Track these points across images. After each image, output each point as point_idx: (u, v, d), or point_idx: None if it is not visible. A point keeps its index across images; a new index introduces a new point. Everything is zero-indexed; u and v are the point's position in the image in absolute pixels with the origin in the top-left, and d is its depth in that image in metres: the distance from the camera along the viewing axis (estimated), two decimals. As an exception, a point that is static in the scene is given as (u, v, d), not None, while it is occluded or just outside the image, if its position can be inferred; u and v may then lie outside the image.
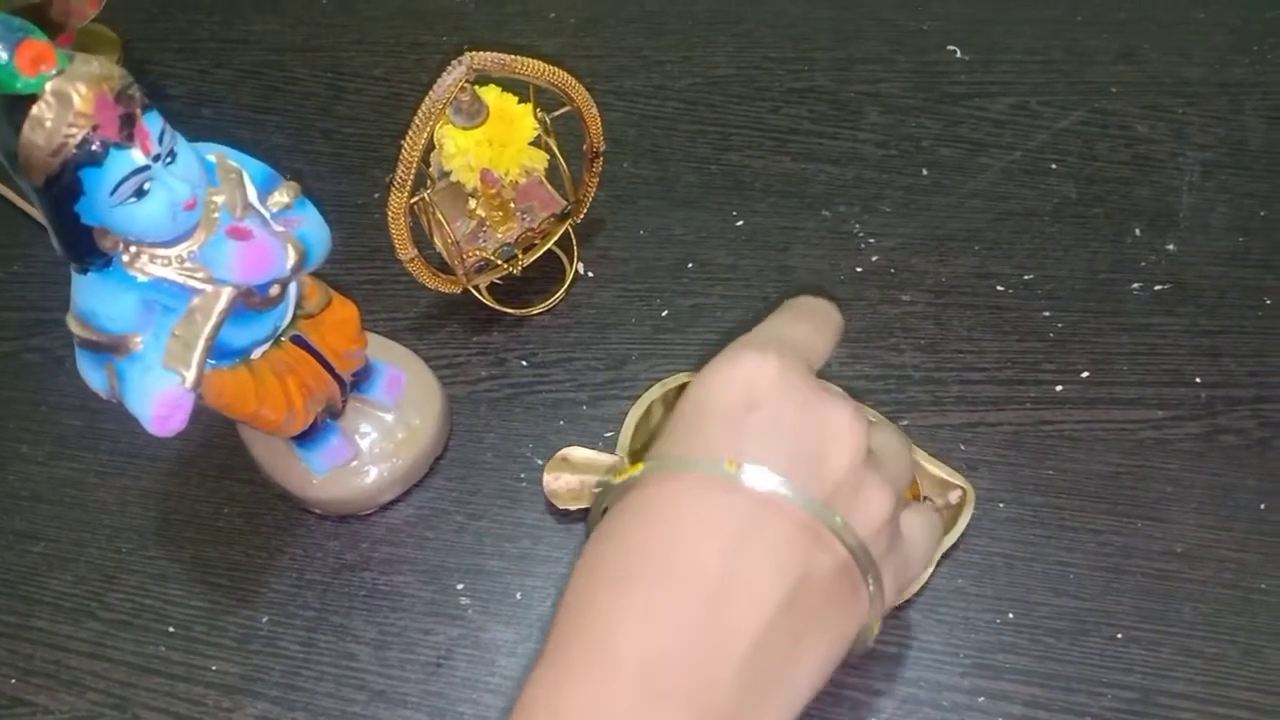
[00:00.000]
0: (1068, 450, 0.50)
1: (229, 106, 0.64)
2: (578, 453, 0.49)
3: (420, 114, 0.43)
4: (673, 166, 0.60)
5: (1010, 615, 0.46)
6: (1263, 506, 0.48)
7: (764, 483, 0.29)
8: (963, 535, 0.46)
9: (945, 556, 0.47)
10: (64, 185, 0.31)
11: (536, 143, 0.48)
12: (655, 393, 0.50)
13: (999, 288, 0.55)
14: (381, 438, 0.48)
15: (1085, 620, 0.46)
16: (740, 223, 0.58)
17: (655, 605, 0.28)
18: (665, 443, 0.32)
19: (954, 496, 0.46)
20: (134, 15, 0.67)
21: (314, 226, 0.39)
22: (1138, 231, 0.57)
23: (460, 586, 0.48)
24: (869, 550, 0.30)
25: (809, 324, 0.34)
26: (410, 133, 0.44)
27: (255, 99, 0.64)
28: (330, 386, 0.44)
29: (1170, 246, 0.56)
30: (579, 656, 0.29)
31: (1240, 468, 0.49)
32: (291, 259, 0.37)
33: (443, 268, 0.52)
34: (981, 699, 0.45)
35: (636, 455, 0.48)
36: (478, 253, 0.51)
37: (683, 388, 0.50)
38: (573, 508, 0.48)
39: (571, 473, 0.48)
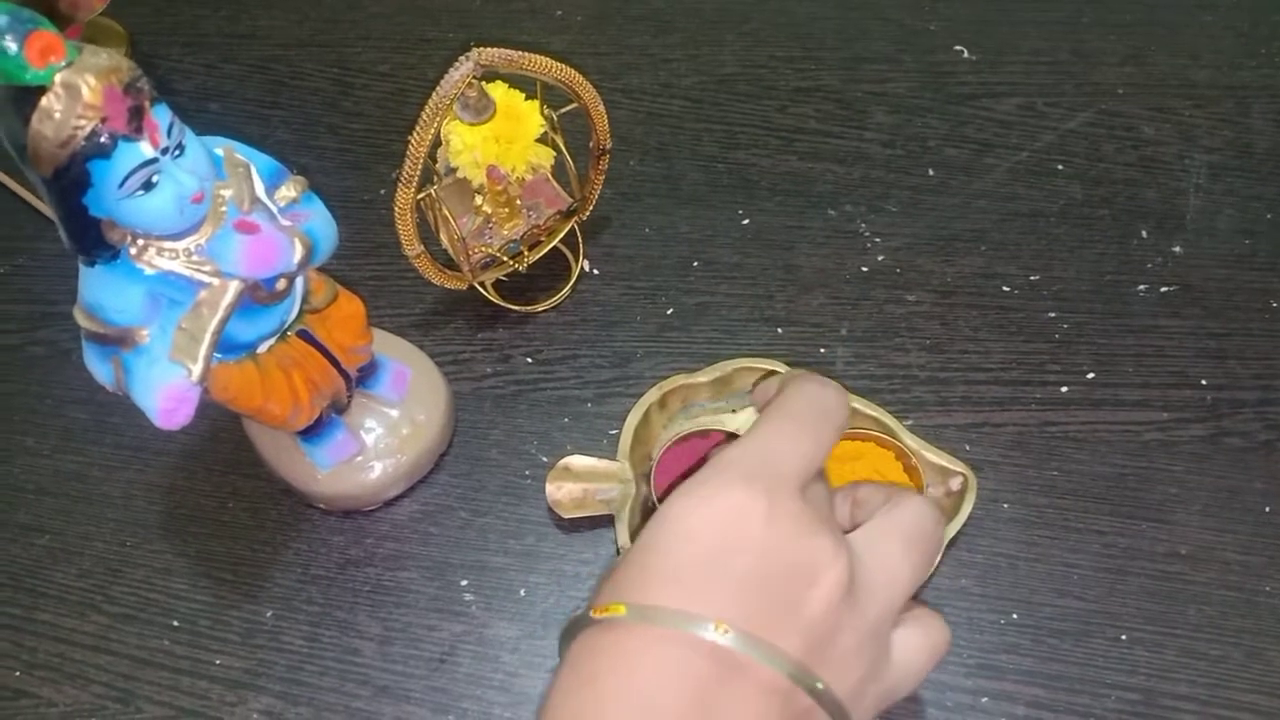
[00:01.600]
0: (1072, 451, 0.50)
1: (236, 101, 0.64)
2: (579, 461, 0.48)
3: (427, 110, 0.43)
4: (679, 164, 0.60)
5: (1014, 616, 0.46)
6: (1267, 509, 0.48)
7: (746, 649, 0.28)
8: (965, 524, 0.46)
9: (949, 548, 0.47)
10: (72, 177, 0.31)
11: (543, 139, 0.48)
12: (653, 396, 0.50)
13: (1005, 288, 0.55)
14: (386, 433, 0.48)
15: (1089, 621, 0.46)
16: (746, 221, 0.58)
17: None
18: (644, 580, 0.30)
19: (955, 484, 0.46)
20: (141, 9, 0.67)
21: (321, 221, 0.39)
22: (1144, 233, 0.57)
23: (464, 583, 0.48)
24: (844, 709, 0.30)
25: (809, 437, 0.33)
26: (417, 128, 0.44)
27: (262, 94, 0.64)
28: (336, 381, 0.44)
29: (1176, 248, 0.56)
30: None
31: (1245, 470, 0.49)
32: (298, 253, 0.37)
33: (449, 264, 0.52)
34: (985, 699, 0.45)
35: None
36: (484, 249, 0.51)
37: (679, 390, 0.50)
38: (576, 516, 0.47)
39: (574, 481, 0.48)
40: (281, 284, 0.39)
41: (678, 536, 0.31)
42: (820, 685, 0.29)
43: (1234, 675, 0.45)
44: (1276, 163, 0.59)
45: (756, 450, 0.32)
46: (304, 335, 0.42)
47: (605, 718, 0.28)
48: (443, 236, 0.52)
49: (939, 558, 0.45)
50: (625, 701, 0.29)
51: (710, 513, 0.30)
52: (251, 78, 0.65)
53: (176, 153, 0.33)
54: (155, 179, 0.32)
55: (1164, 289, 0.55)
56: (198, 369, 0.36)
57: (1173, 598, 0.46)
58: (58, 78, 0.30)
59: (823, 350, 0.53)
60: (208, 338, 0.36)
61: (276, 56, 0.66)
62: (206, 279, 0.36)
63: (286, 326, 0.41)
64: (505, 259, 0.52)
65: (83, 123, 0.30)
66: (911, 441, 0.48)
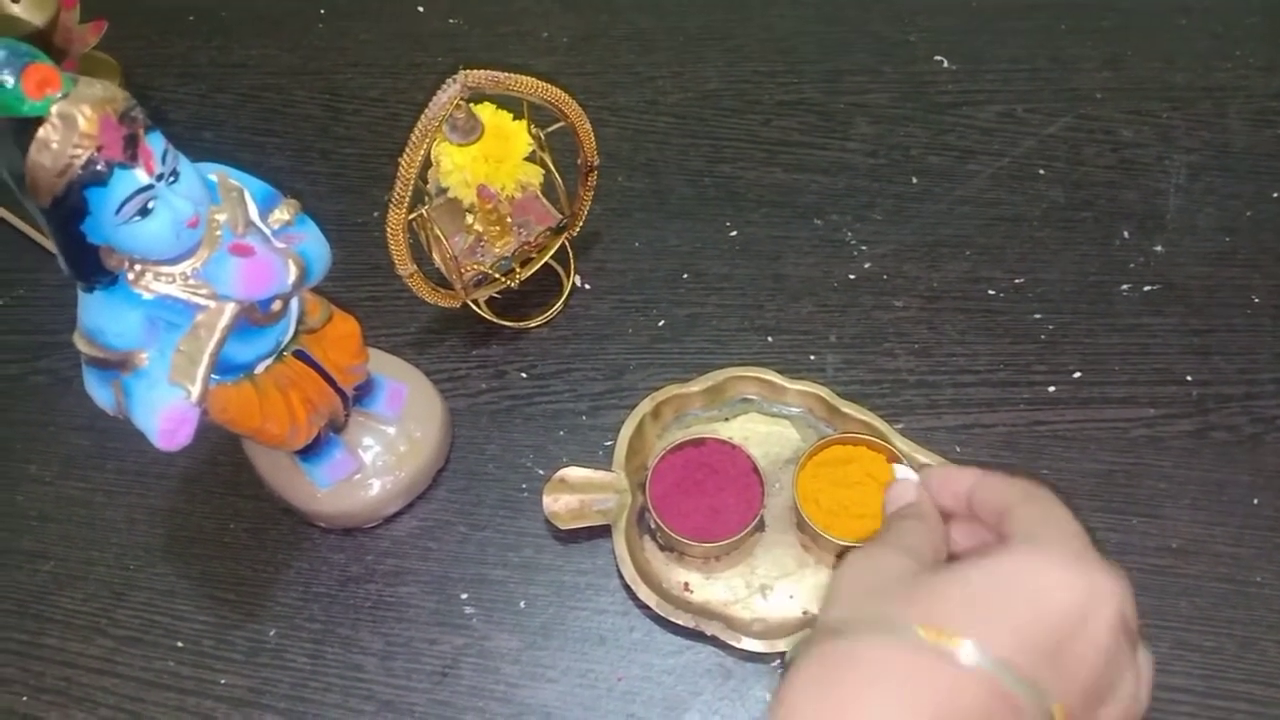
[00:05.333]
0: (1061, 450, 0.51)
1: (229, 130, 0.65)
2: (575, 472, 0.49)
3: (416, 132, 0.44)
4: (666, 179, 0.61)
5: (1008, 613, 0.47)
6: (1256, 501, 0.49)
7: None
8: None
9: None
10: (70, 205, 0.32)
11: (532, 158, 0.49)
12: (647, 406, 0.51)
13: (990, 292, 0.56)
14: (384, 451, 0.49)
15: (1082, 616, 0.46)
16: (734, 233, 0.59)
17: None
18: (980, 615, 0.29)
19: None
20: (135, 42, 0.68)
21: (314, 242, 0.40)
22: (1126, 234, 0.58)
23: (464, 596, 0.48)
24: None
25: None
26: (407, 150, 0.45)
27: (255, 122, 0.65)
28: (333, 400, 0.45)
29: (1158, 248, 0.57)
30: None
31: (1232, 463, 0.50)
32: (293, 274, 0.38)
33: (442, 283, 0.53)
34: (981, 696, 0.45)
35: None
36: (476, 267, 0.52)
37: (672, 400, 0.51)
38: (573, 527, 0.48)
39: (570, 493, 0.49)
40: (277, 305, 0.39)
41: (1034, 596, 0.29)
42: None
43: (1228, 666, 0.45)
44: (1254, 161, 0.60)
45: (1081, 534, 0.32)
46: (300, 355, 0.42)
47: None
48: (435, 256, 0.52)
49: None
50: None
51: (1075, 586, 0.29)
52: (244, 106, 0.66)
53: (171, 179, 0.34)
54: (151, 205, 0.33)
55: (1147, 288, 0.56)
56: (196, 390, 0.37)
57: (1165, 591, 0.47)
58: (54, 109, 0.30)
59: (812, 357, 0.54)
60: (206, 359, 0.37)
61: (268, 85, 0.67)
62: (203, 302, 0.36)
63: (283, 347, 0.42)
64: (497, 276, 0.53)
65: (79, 152, 0.31)
66: (902, 444, 0.48)
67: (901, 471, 0.40)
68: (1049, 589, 0.29)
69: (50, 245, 0.34)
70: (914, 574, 0.31)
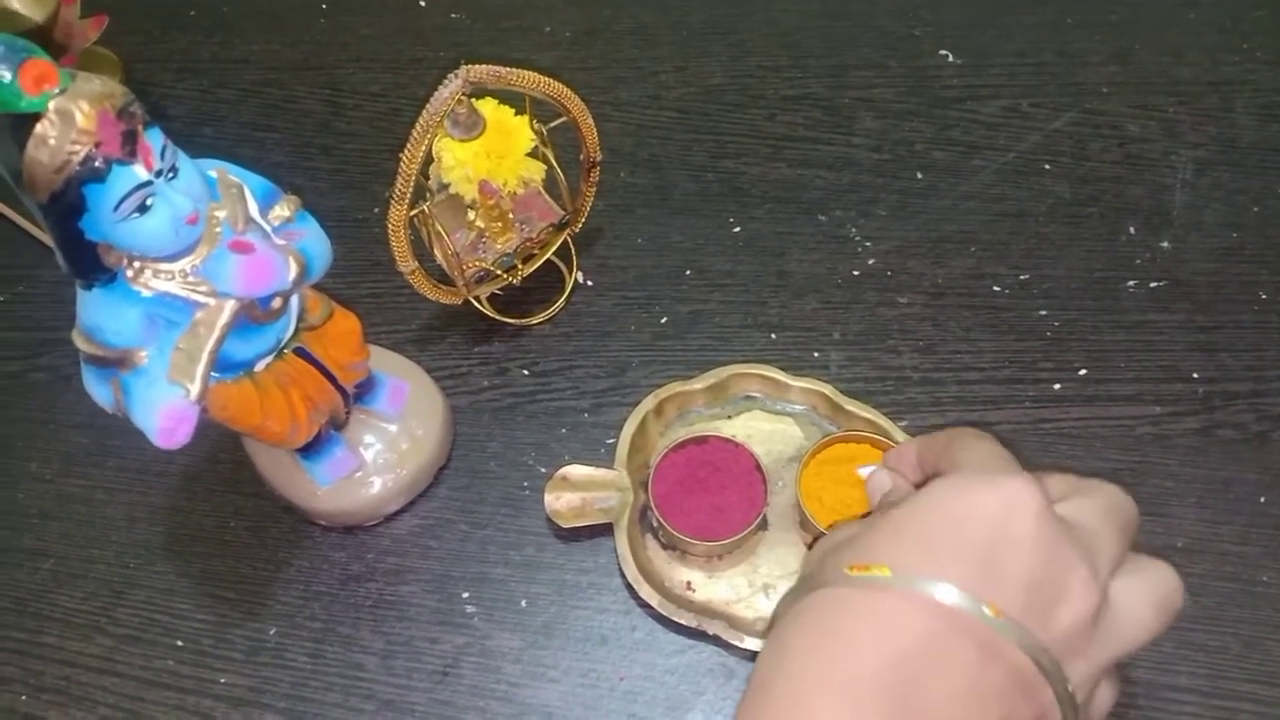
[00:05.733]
0: (1067, 448, 0.50)
1: (230, 125, 0.65)
2: (577, 470, 0.49)
3: (418, 127, 0.44)
4: (669, 175, 0.61)
5: (1013, 612, 0.46)
6: (1262, 500, 0.49)
7: (1018, 638, 0.28)
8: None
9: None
10: (68, 202, 0.32)
11: (534, 154, 0.49)
12: (650, 404, 0.50)
13: (995, 288, 0.56)
14: (385, 449, 0.49)
15: (1088, 616, 0.46)
16: (737, 229, 0.58)
17: None
18: (909, 549, 0.30)
19: None
20: (135, 37, 0.68)
21: (315, 239, 0.40)
22: (1132, 230, 0.57)
23: (465, 595, 0.48)
24: (1078, 706, 0.30)
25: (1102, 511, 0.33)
26: (408, 146, 0.44)
27: (256, 117, 0.65)
28: (334, 398, 0.45)
29: (1164, 244, 0.57)
30: None
31: (1239, 461, 0.50)
32: (293, 271, 0.38)
33: (443, 279, 0.52)
34: (986, 696, 0.45)
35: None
36: (478, 264, 0.52)
37: (675, 397, 0.51)
38: (575, 525, 0.48)
39: (572, 491, 0.48)
40: (277, 302, 0.39)
41: (951, 515, 0.30)
42: (1071, 687, 0.29)
43: (1233, 665, 0.45)
44: (1261, 156, 0.60)
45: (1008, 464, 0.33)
46: (301, 353, 0.42)
47: (854, 686, 0.28)
48: (437, 252, 0.52)
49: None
50: (877, 667, 0.28)
51: (988, 497, 0.30)
52: (245, 101, 0.66)
53: (170, 175, 0.33)
54: (150, 201, 0.33)
55: (1153, 284, 0.55)
56: (196, 388, 0.37)
57: (1170, 590, 0.47)
58: (52, 104, 0.30)
59: (816, 354, 0.54)
60: (205, 357, 0.36)
61: (269, 80, 0.66)
62: (203, 299, 0.36)
63: (283, 344, 0.41)
64: (499, 273, 0.53)
65: (77, 148, 0.31)
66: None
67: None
68: (965, 507, 0.30)
69: (49, 241, 0.34)
70: (860, 531, 0.33)
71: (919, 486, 0.36)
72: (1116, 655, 0.31)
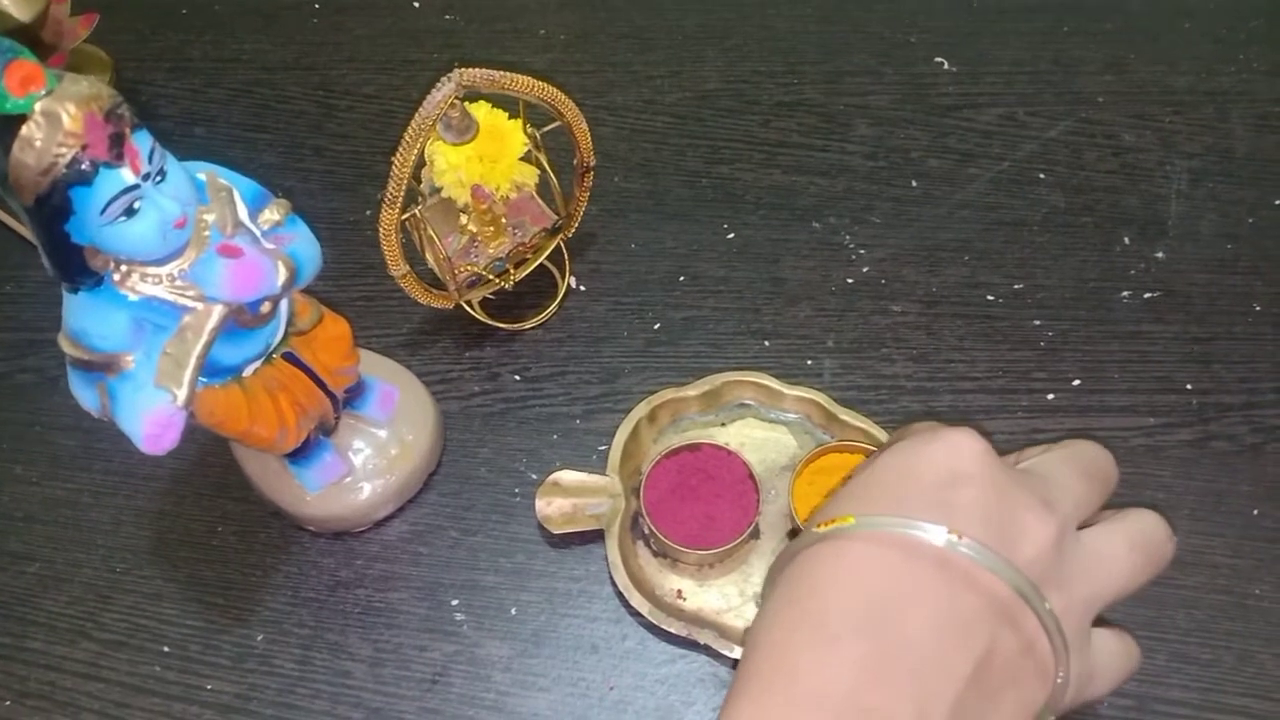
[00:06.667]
0: (1060, 458, 0.50)
1: (221, 125, 0.64)
2: (569, 476, 0.48)
3: (410, 130, 0.43)
4: (663, 180, 0.60)
5: (1005, 624, 0.46)
6: (1255, 512, 0.49)
7: (979, 557, 0.29)
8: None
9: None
10: (54, 205, 0.31)
11: (527, 158, 0.48)
12: (642, 410, 0.50)
13: (989, 297, 0.55)
14: (375, 454, 0.48)
15: (1080, 628, 0.46)
16: (731, 235, 0.58)
17: (868, 667, 0.28)
18: (867, 501, 0.32)
19: None
20: (125, 36, 0.68)
21: (304, 243, 0.39)
22: (1127, 240, 0.57)
23: (455, 602, 0.48)
24: (1066, 639, 0.30)
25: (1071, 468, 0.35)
26: (401, 149, 0.44)
27: (247, 118, 0.64)
28: (323, 403, 0.44)
29: (1159, 254, 0.57)
30: (782, 703, 0.29)
31: (1232, 473, 0.50)
32: (282, 276, 0.37)
33: (435, 284, 0.52)
34: (978, 708, 0.44)
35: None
36: (469, 268, 0.51)
37: (668, 404, 0.50)
38: (566, 531, 0.47)
39: (564, 496, 0.48)
40: (266, 307, 0.39)
41: (895, 468, 0.32)
42: (1048, 605, 0.29)
43: (1225, 679, 0.45)
44: (1257, 167, 0.60)
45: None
46: (290, 358, 0.42)
47: (829, 625, 0.29)
48: (428, 256, 0.52)
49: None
50: (849, 607, 0.29)
51: (935, 449, 0.32)
52: (236, 102, 0.65)
53: (158, 178, 0.33)
54: (137, 205, 0.32)
55: (1148, 295, 0.55)
56: (183, 394, 0.36)
57: (1163, 602, 0.46)
58: (38, 106, 0.30)
59: (809, 362, 0.54)
60: (192, 362, 0.36)
61: (261, 80, 0.66)
62: (190, 304, 0.36)
63: (272, 349, 0.41)
64: (491, 277, 0.53)
65: (64, 150, 0.30)
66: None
67: None
68: (914, 456, 0.32)
69: (35, 240, 0.33)
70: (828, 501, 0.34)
71: None
72: (1097, 592, 0.32)
